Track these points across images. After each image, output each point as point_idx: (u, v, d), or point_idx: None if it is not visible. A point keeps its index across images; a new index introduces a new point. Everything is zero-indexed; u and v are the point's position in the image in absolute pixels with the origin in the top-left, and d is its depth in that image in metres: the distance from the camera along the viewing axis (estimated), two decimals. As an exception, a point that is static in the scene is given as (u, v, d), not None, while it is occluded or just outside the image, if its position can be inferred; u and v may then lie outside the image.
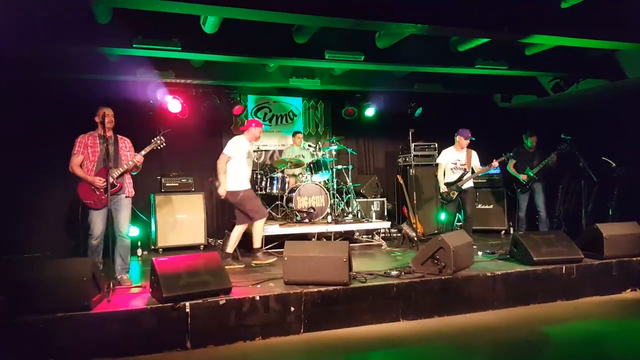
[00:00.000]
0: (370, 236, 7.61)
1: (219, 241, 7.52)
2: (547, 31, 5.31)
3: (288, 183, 7.35)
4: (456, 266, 4.75)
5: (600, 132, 7.79)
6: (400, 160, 8.71)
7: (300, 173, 7.43)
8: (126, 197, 4.84)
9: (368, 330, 4.25)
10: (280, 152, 8.33)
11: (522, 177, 7.15)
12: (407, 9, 4.80)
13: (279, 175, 7.28)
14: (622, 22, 5.40)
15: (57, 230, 6.83)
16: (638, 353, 3.80)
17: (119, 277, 4.74)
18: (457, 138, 6.64)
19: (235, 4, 4.31)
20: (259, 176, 7.45)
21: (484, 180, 8.57)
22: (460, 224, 7.01)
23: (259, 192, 7.13)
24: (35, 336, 3.54)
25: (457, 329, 4.32)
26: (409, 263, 5.12)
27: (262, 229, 5.80)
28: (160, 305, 3.83)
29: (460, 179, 6.52)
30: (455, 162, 6.62)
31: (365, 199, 8.32)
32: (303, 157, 7.60)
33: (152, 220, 7.10)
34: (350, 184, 7.72)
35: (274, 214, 7.37)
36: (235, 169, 5.59)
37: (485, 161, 6.60)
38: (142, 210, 7.18)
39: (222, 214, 8.15)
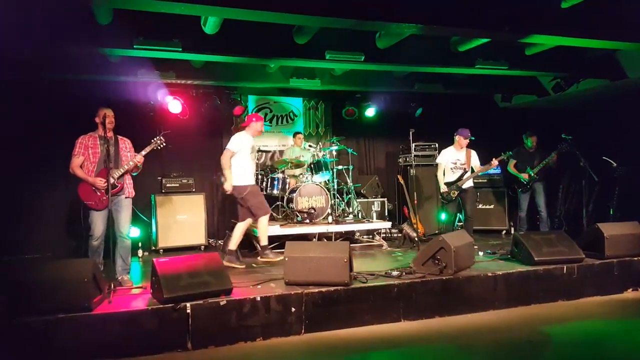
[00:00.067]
0: (371, 236, 7.61)
1: (219, 242, 7.52)
2: (547, 31, 5.30)
3: (289, 183, 7.34)
4: (457, 266, 4.75)
5: (600, 132, 7.78)
6: (400, 160, 8.71)
7: (301, 173, 7.43)
8: (126, 197, 4.84)
9: (369, 331, 4.25)
10: (281, 152, 8.32)
11: (524, 176, 7.15)
12: (407, 9, 4.80)
13: (280, 175, 7.28)
14: (623, 22, 5.39)
15: (58, 231, 6.83)
16: (639, 353, 3.80)
17: (119, 278, 4.74)
18: (457, 138, 6.64)
19: (235, 5, 4.31)
20: (259, 177, 7.45)
21: (485, 180, 8.58)
22: (461, 224, 7.01)
23: (260, 193, 7.13)
24: (35, 337, 3.53)
25: (458, 329, 4.31)
26: (410, 263, 5.12)
27: (267, 226, 5.81)
28: (161, 306, 3.83)
29: (460, 178, 6.52)
30: (455, 161, 6.62)
31: (366, 199, 8.32)
32: (304, 157, 7.61)
33: (153, 221, 7.10)
34: (351, 184, 7.72)
35: (274, 214, 7.36)
36: (240, 164, 5.61)
37: (485, 161, 6.60)
38: (143, 211, 7.18)
39: (222, 214, 8.16)
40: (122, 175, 4.78)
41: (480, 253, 6.07)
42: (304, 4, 4.50)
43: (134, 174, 5.00)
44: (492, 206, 8.52)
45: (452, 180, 6.58)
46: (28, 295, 3.68)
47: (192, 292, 3.90)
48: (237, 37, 5.65)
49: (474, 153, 6.66)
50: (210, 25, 5.15)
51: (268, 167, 7.74)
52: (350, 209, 7.66)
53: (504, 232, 8.33)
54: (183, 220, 7.15)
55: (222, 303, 3.94)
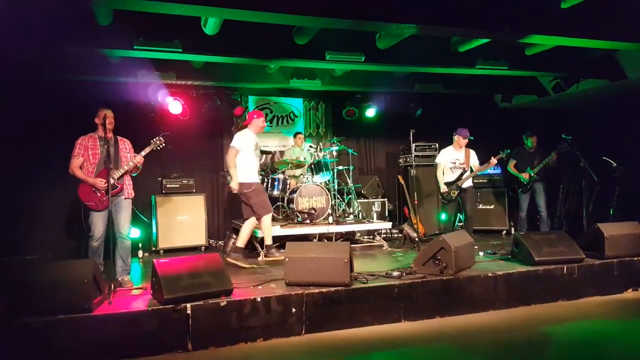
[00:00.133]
0: (371, 237, 7.60)
1: (220, 242, 7.52)
2: (547, 31, 5.31)
3: (289, 184, 7.35)
4: (457, 267, 4.75)
5: (600, 132, 7.79)
6: (401, 160, 8.71)
7: (301, 174, 7.43)
8: (126, 198, 4.84)
9: (369, 331, 4.25)
10: (282, 153, 8.32)
11: (525, 176, 7.15)
12: (407, 9, 4.81)
13: (280, 176, 7.28)
14: (623, 22, 5.39)
15: (58, 231, 6.83)
16: (639, 353, 3.80)
17: (119, 279, 4.74)
18: (456, 137, 6.64)
19: (235, 6, 4.31)
20: (259, 177, 7.44)
21: (485, 181, 8.58)
22: (462, 224, 7.01)
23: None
24: (36, 338, 3.53)
25: (459, 329, 4.31)
26: (410, 264, 5.12)
27: (270, 225, 5.82)
28: (161, 306, 3.83)
29: (459, 178, 6.52)
30: (454, 161, 6.63)
31: (366, 200, 8.32)
32: (304, 158, 7.61)
33: (153, 222, 7.10)
34: (351, 184, 7.72)
35: (275, 215, 7.36)
36: (245, 161, 5.62)
37: (485, 162, 6.60)
38: (143, 211, 7.18)
39: (223, 215, 8.16)
40: (121, 176, 4.78)
41: (481, 253, 6.07)
42: (303, 5, 4.51)
43: (134, 175, 5.00)
44: (492, 206, 8.52)
45: (451, 180, 6.58)
46: (28, 296, 3.68)
47: (192, 292, 3.90)
48: (237, 38, 5.65)
49: (472, 152, 6.66)
50: (211, 26, 5.15)
51: (268, 168, 7.74)
52: (351, 210, 7.67)
53: (504, 232, 8.33)
54: (183, 220, 7.15)
55: (222, 304, 3.94)
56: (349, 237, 7.18)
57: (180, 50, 5.40)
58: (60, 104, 6.62)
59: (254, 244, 6.72)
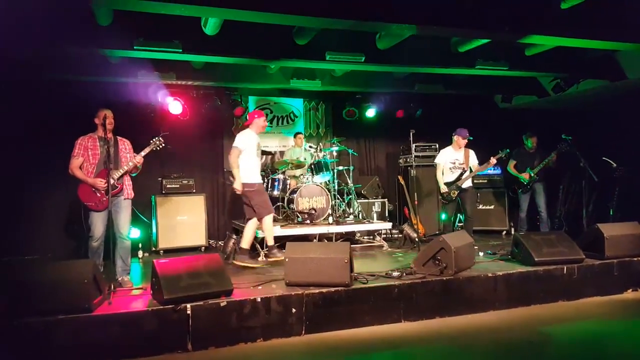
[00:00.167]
0: (371, 237, 7.61)
1: (220, 243, 7.52)
2: (547, 31, 5.31)
3: (289, 184, 7.35)
4: (457, 267, 4.75)
5: (600, 133, 7.79)
6: (401, 161, 8.71)
7: (302, 174, 7.43)
8: (125, 199, 4.84)
9: (369, 332, 4.25)
10: (282, 153, 8.33)
11: (525, 177, 7.15)
12: (407, 9, 4.81)
13: (280, 176, 7.28)
14: (623, 22, 5.40)
15: (58, 232, 6.83)
16: (639, 353, 3.80)
17: (119, 279, 4.74)
18: (455, 138, 6.65)
19: (235, 6, 4.32)
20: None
21: (485, 181, 8.58)
22: (462, 224, 7.00)
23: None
24: (35, 338, 3.53)
25: (459, 329, 4.31)
26: (410, 264, 5.12)
27: (271, 225, 5.81)
28: (161, 307, 3.83)
29: (459, 178, 6.52)
30: (454, 161, 6.63)
31: (367, 200, 8.32)
32: (304, 158, 7.60)
33: (153, 222, 7.10)
34: (352, 184, 7.72)
35: (275, 215, 7.35)
36: (248, 162, 5.61)
37: (485, 161, 6.60)
38: (143, 211, 7.18)
39: (223, 215, 8.16)
40: (121, 176, 4.78)
41: (481, 253, 6.07)
42: (303, 5, 4.51)
43: (133, 175, 5.00)
44: (492, 207, 8.51)
45: (451, 180, 6.58)
46: (28, 296, 3.68)
47: (192, 293, 3.90)
48: (238, 38, 5.65)
49: (472, 152, 6.67)
50: (211, 26, 5.15)
51: (269, 168, 7.74)
52: (351, 210, 7.67)
53: (504, 232, 8.32)
54: (183, 221, 7.15)
55: (222, 304, 3.94)
56: (349, 237, 7.19)
57: (180, 50, 5.40)
58: (60, 104, 6.62)
59: (254, 245, 6.71)
